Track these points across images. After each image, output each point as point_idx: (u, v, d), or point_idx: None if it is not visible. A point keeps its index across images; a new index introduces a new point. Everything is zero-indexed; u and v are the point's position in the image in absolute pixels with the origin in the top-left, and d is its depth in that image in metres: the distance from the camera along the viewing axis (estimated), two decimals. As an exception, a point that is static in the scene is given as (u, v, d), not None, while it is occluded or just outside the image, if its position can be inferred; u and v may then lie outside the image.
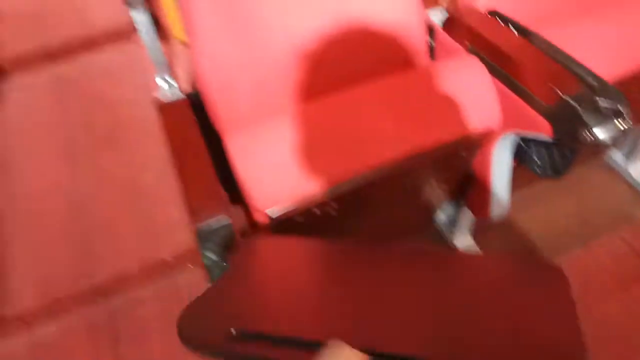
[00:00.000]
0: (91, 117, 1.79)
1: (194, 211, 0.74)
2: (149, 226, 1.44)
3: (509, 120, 0.94)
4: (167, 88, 1.84)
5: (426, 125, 0.87)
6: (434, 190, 1.13)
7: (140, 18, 1.69)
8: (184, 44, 1.93)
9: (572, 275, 1.32)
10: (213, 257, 0.69)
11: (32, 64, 1.98)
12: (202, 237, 0.71)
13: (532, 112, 0.90)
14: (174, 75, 1.87)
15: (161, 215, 1.46)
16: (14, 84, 1.94)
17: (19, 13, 2.15)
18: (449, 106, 0.88)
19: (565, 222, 1.43)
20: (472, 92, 0.90)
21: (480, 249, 1.37)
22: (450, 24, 1.07)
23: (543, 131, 0.91)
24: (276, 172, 0.83)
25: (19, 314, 1.30)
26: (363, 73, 1.03)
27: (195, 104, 0.99)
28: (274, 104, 1.00)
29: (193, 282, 1.38)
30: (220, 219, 0.72)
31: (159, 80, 1.83)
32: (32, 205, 1.53)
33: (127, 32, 2.04)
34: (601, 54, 0.99)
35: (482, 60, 0.94)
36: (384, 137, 0.85)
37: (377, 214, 1.10)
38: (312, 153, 0.83)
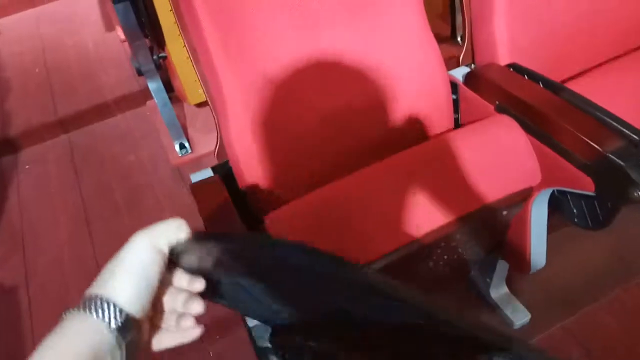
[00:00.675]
0: (107, 184, 1.78)
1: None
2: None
3: (548, 177, 0.92)
4: (182, 151, 1.84)
5: (466, 190, 0.85)
6: (472, 248, 1.10)
7: (154, 86, 1.71)
8: (198, 106, 1.94)
9: (613, 316, 1.30)
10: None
11: (44, 134, 1.98)
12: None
13: (572, 168, 0.88)
14: (188, 138, 1.88)
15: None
16: (27, 155, 1.94)
17: (28, 84, 2.16)
18: (488, 168, 0.86)
19: (602, 262, 1.40)
20: (509, 151, 0.88)
21: (517, 297, 1.33)
22: (472, 80, 1.06)
23: (584, 187, 0.89)
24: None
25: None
26: (393, 138, 1.03)
27: (223, 175, 0.97)
28: (304, 177, 0.98)
29: (223, 353, 1.34)
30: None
31: (175, 144, 1.84)
32: (50, 278, 1.50)
33: (139, 98, 2.06)
34: (631, 104, 0.97)
35: (513, 117, 0.93)
36: (425, 208, 0.83)
37: (416, 275, 1.07)
38: (354, 229, 0.81)
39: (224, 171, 0.98)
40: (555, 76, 1.01)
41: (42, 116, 2.02)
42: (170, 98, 1.77)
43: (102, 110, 2.05)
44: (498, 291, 1.33)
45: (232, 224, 0.82)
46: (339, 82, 0.96)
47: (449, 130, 1.07)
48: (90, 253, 1.54)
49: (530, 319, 1.29)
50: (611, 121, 0.86)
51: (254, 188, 0.94)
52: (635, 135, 0.83)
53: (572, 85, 0.95)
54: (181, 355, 1.35)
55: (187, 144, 1.83)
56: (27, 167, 1.89)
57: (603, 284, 1.35)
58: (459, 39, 1.06)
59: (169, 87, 1.81)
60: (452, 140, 0.90)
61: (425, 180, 0.85)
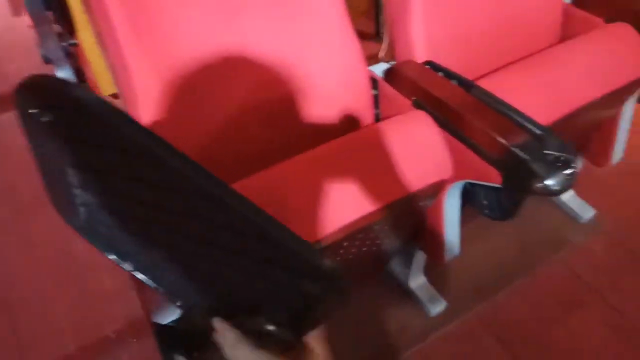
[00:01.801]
0: (13, 180, 1.65)
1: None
2: (85, 298, 1.33)
3: (460, 170, 0.96)
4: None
5: (386, 182, 0.87)
6: (389, 240, 1.13)
7: (63, 75, 1.59)
8: (113, 97, 1.85)
9: (519, 303, 1.39)
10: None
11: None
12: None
13: (481, 162, 0.93)
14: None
15: (95, 285, 1.35)
16: None
17: None
18: (405, 161, 0.89)
19: (507, 252, 1.48)
20: (424, 145, 0.91)
21: (434, 286, 1.38)
22: (391, 76, 1.09)
23: (493, 180, 0.93)
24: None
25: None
26: (316, 132, 1.02)
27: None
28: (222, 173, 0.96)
29: (139, 357, 1.28)
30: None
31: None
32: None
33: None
34: (535, 101, 1.04)
35: (428, 112, 0.96)
36: (341, 200, 0.84)
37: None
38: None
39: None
40: (469, 74, 1.05)
41: None
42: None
43: (8, 100, 1.89)
44: (416, 280, 1.38)
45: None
46: (259, 74, 0.95)
47: (369, 124, 1.09)
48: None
49: (446, 307, 1.35)
50: (517, 117, 0.91)
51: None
52: (539, 130, 0.88)
53: (483, 83, 1.00)
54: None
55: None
56: None
57: (512, 273, 1.43)
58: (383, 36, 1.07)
59: (80, 76, 1.70)
60: (371, 134, 0.91)
61: (345, 172, 0.86)
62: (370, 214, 0.87)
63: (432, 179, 0.91)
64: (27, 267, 1.39)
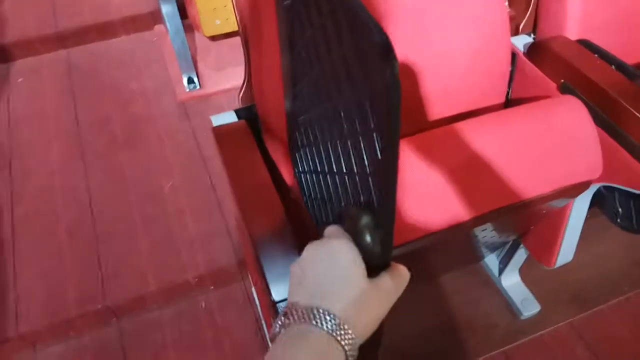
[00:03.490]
0: (105, 112, 1.65)
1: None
2: (167, 242, 1.31)
3: (607, 171, 0.83)
4: (189, 85, 1.71)
5: (517, 179, 0.75)
6: (498, 236, 1.02)
7: (168, 9, 1.55)
8: (212, 39, 1.79)
9: (623, 320, 1.26)
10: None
11: (40, 48, 1.82)
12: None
13: (635, 164, 0.80)
14: (197, 73, 1.74)
15: (179, 229, 1.34)
16: (21, 68, 1.79)
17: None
18: (547, 156, 0.77)
19: (618, 263, 1.34)
20: (573, 139, 0.78)
21: (527, 286, 1.27)
22: (535, 52, 0.95)
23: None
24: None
25: (24, 334, 1.17)
26: (437, 104, 0.92)
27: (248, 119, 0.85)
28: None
29: (215, 306, 1.27)
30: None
31: (183, 77, 1.70)
32: (38, 206, 1.39)
33: (148, 21, 1.89)
34: None
35: (580, 99, 0.83)
36: (467, 194, 0.74)
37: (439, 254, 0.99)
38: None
39: (249, 117, 0.87)
40: (628, 60, 0.90)
41: (40, 27, 1.84)
42: (182, 25, 1.62)
43: (106, 29, 1.89)
44: (510, 278, 1.27)
45: (260, 178, 0.72)
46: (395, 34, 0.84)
47: (501, 105, 0.97)
48: (83, 185, 1.44)
49: (539, 312, 1.24)
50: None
51: (283, 143, 0.83)
52: None
53: (648, 72, 0.85)
54: (172, 302, 1.29)
55: (195, 79, 1.70)
56: (19, 80, 1.75)
57: (617, 286, 1.30)
58: (506, 3, 0.93)
59: (182, 13, 1.65)
60: (510, 119, 0.80)
61: (472, 161, 0.75)
62: (493, 213, 0.77)
63: (578, 178, 0.78)
64: (117, 201, 1.39)
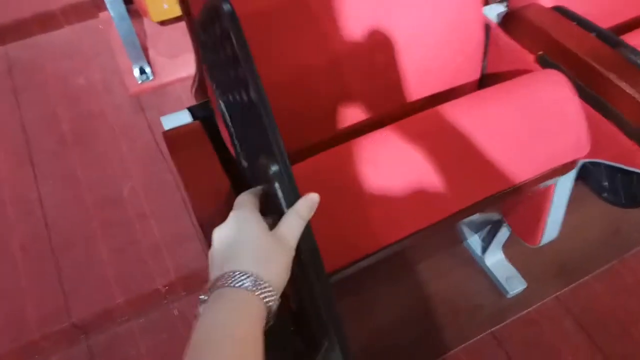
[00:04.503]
0: (53, 109, 1.52)
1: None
2: (133, 249, 1.23)
3: (594, 147, 0.78)
4: (142, 77, 1.59)
5: (509, 161, 0.70)
6: (483, 218, 0.97)
7: (111, -4, 1.42)
8: (161, 24, 1.67)
9: (608, 290, 1.24)
10: None
11: (-26, 45, 1.67)
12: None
13: (626, 140, 0.75)
14: (149, 62, 1.62)
15: (143, 234, 1.25)
16: (-46, 69, 1.63)
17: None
18: (534, 135, 0.71)
19: (599, 233, 1.32)
20: (557, 116, 0.73)
21: (513, 264, 1.24)
22: (509, 23, 0.89)
23: (635, 162, 0.76)
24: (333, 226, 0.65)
25: (-17, 363, 1.08)
26: (409, 85, 0.85)
27: (203, 119, 0.77)
28: (306, 130, 0.80)
29: (189, 312, 1.20)
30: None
31: (133, 68, 1.58)
32: (-12, 221, 1.28)
33: (91, 8, 1.75)
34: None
35: (561, 72, 0.77)
36: (455, 183, 0.68)
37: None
38: (367, 206, 0.65)
39: (204, 115, 0.79)
40: (604, 26, 0.84)
41: (-29, 22, 1.69)
42: (128, 11, 1.49)
43: (46, 20, 1.74)
44: (493, 257, 1.24)
45: (218, 186, 0.64)
46: (356, 17, 0.76)
47: (477, 82, 0.90)
48: (35, 195, 1.33)
49: (525, 289, 1.21)
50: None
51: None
52: None
53: (632, 40, 0.79)
54: (142, 313, 1.21)
55: (148, 69, 1.58)
56: (-47, 82, 1.60)
57: (599, 256, 1.28)
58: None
59: (129, 2, 1.52)
60: (489, 100, 0.74)
61: (454, 149, 0.69)
62: (479, 203, 0.71)
63: (566, 158, 0.73)
64: (72, 209, 1.29)
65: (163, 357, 1.14)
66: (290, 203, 0.47)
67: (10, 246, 1.23)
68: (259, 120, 0.46)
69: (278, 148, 0.46)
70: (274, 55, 0.75)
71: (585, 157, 0.79)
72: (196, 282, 1.22)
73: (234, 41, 0.45)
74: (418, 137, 0.69)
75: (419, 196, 0.68)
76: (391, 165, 0.67)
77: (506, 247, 1.23)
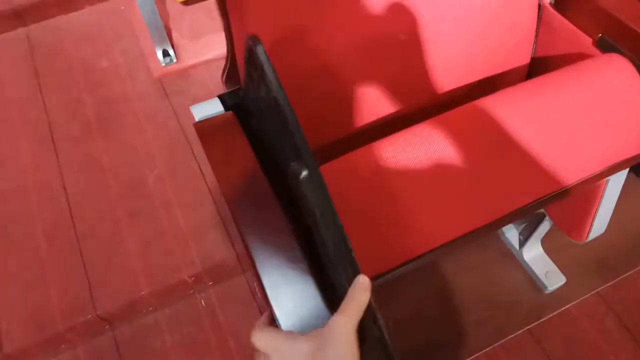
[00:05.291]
0: (74, 94, 1.49)
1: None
2: (159, 239, 1.20)
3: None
4: (165, 59, 1.54)
5: (566, 158, 0.64)
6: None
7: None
8: (185, 4, 1.62)
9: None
10: None
11: (-3, 27, 1.64)
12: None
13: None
14: (172, 44, 1.58)
15: (169, 223, 1.22)
16: (-24, 52, 1.61)
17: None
18: (596, 128, 0.65)
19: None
20: (625, 106, 0.67)
21: (550, 256, 1.18)
22: (563, 2, 0.82)
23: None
24: (379, 221, 0.60)
25: (9, 354, 1.07)
26: (452, 73, 0.79)
27: (235, 108, 0.72)
28: (339, 121, 0.75)
29: (216, 303, 1.17)
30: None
31: (156, 50, 1.54)
32: (10, 208, 1.26)
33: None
34: None
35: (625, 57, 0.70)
36: (504, 184, 0.62)
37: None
38: (410, 205, 0.60)
39: (237, 104, 0.74)
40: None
41: (-6, 3, 1.66)
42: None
43: (67, 1, 1.70)
44: (532, 251, 1.18)
45: (257, 185, 0.59)
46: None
47: (526, 67, 0.84)
48: (59, 182, 1.30)
49: (565, 284, 1.16)
50: None
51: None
52: None
53: None
54: (168, 304, 1.19)
55: (171, 52, 1.54)
56: (-25, 66, 1.58)
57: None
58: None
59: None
60: (544, 89, 0.67)
61: (502, 147, 0.63)
62: (531, 205, 0.66)
63: (630, 152, 0.67)
64: (97, 196, 1.27)
65: (189, 348, 1.12)
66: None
67: (34, 234, 1.21)
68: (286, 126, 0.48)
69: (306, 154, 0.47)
70: (300, 40, 0.69)
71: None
72: (222, 273, 1.20)
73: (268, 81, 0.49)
74: (461, 134, 0.63)
75: (463, 200, 0.63)
76: (432, 165, 0.62)
77: (545, 241, 1.17)
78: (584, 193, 0.88)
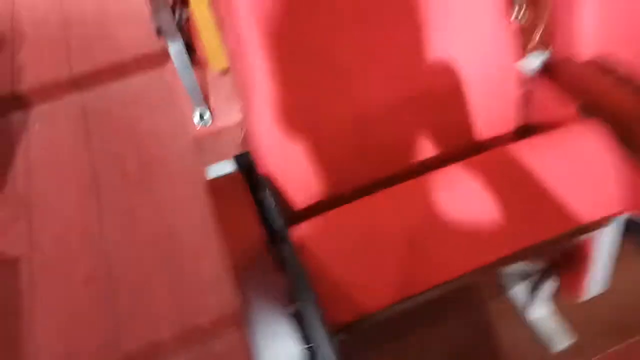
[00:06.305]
0: (120, 151, 1.66)
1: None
2: (183, 285, 1.29)
3: (632, 199, 0.76)
4: (201, 121, 1.70)
5: (537, 217, 0.70)
6: (519, 271, 0.96)
7: (175, 48, 1.55)
8: (223, 73, 1.79)
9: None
10: None
11: (56, 93, 1.85)
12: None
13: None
14: (210, 107, 1.74)
15: (194, 272, 1.31)
16: (37, 114, 1.82)
17: (42, 37, 2.03)
18: (574, 185, 0.71)
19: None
20: (599, 169, 0.73)
21: (562, 318, 1.19)
22: (547, 73, 0.90)
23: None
24: (360, 272, 0.67)
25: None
26: (444, 140, 0.87)
27: (244, 169, 0.83)
28: (343, 185, 0.84)
29: (233, 349, 1.24)
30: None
31: (194, 113, 1.70)
32: (55, 253, 1.40)
33: (160, 59, 1.90)
34: None
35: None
36: (485, 233, 0.69)
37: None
38: (406, 247, 0.67)
39: (247, 163, 0.84)
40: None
41: (56, 73, 1.88)
42: (192, 61, 1.61)
43: (118, 70, 1.91)
44: (540, 311, 1.20)
45: (252, 233, 0.68)
46: (387, 68, 0.80)
47: (511, 134, 0.91)
48: (97, 229, 1.44)
49: (574, 344, 1.16)
50: None
51: (278, 188, 0.80)
52: None
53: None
54: (187, 348, 1.27)
55: (207, 114, 1.69)
56: (36, 125, 1.77)
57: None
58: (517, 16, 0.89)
59: (191, 49, 1.65)
60: (528, 151, 0.75)
61: (488, 200, 0.70)
62: (510, 257, 0.71)
63: (605, 212, 0.73)
64: (130, 243, 1.39)
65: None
66: None
67: (74, 278, 1.33)
68: None
69: None
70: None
71: (627, 210, 0.77)
72: (239, 320, 1.27)
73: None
74: (454, 187, 0.71)
75: (454, 244, 0.69)
76: (423, 214, 0.69)
77: (554, 299, 1.19)
78: (579, 251, 0.92)
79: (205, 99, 1.73)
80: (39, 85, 1.85)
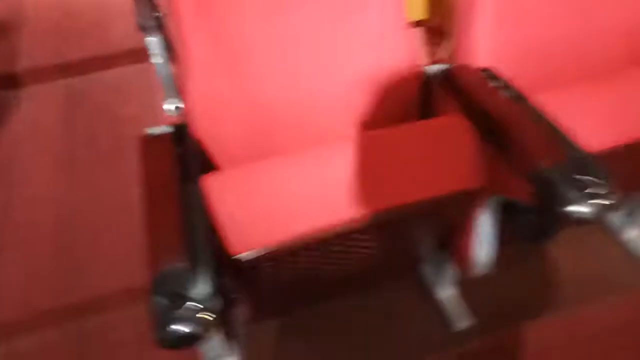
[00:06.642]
0: (97, 131, 1.83)
1: (153, 259, 0.75)
2: (135, 249, 1.44)
3: (497, 185, 0.93)
4: (172, 110, 1.87)
5: (411, 180, 0.87)
6: (419, 241, 1.12)
7: (153, 43, 1.73)
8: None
9: (554, 339, 1.30)
10: (164, 301, 0.69)
11: (46, 76, 2.03)
12: (157, 283, 0.71)
13: (516, 179, 0.90)
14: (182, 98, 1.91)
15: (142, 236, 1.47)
16: (27, 93, 1.99)
17: (42, 23, 2.21)
18: (433, 165, 0.88)
19: (554, 282, 1.40)
20: (455, 152, 0.90)
21: (464, 300, 1.34)
22: (445, 79, 1.07)
23: (524, 198, 0.90)
24: (255, 216, 0.83)
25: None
26: (352, 123, 1.04)
27: (182, 136, 1.00)
28: (264, 147, 1.01)
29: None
30: (178, 266, 0.73)
31: (167, 103, 1.87)
32: (26, 213, 1.56)
33: (147, 53, 2.09)
34: (594, 123, 0.98)
35: (473, 121, 0.94)
36: (370, 190, 0.85)
37: (358, 260, 1.09)
38: (296, 198, 0.83)
39: (181, 128, 1.02)
40: (535, 88, 1.00)
41: (49, 57, 2.07)
42: (172, 57, 1.78)
43: (106, 60, 2.09)
44: (445, 291, 1.34)
45: (165, 178, 0.85)
46: (303, 63, 0.98)
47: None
48: (65, 198, 1.60)
49: (473, 324, 1.30)
50: (560, 137, 0.87)
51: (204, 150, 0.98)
52: (578, 153, 0.84)
53: (539, 99, 0.95)
54: (133, 304, 1.41)
55: (180, 105, 1.86)
56: (24, 103, 1.95)
57: (551, 305, 1.35)
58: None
59: (170, 46, 1.82)
60: (404, 133, 0.92)
61: (372, 166, 0.87)
62: (397, 207, 0.87)
63: (458, 186, 0.89)
64: (89, 213, 1.55)
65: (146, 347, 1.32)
66: None
67: (39, 238, 1.49)
68: None
69: None
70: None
71: (489, 193, 0.94)
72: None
73: None
74: (346, 156, 0.88)
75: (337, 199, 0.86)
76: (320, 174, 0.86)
77: (456, 282, 1.34)
78: (462, 232, 1.08)
79: (179, 91, 1.90)
80: (32, 67, 2.03)
